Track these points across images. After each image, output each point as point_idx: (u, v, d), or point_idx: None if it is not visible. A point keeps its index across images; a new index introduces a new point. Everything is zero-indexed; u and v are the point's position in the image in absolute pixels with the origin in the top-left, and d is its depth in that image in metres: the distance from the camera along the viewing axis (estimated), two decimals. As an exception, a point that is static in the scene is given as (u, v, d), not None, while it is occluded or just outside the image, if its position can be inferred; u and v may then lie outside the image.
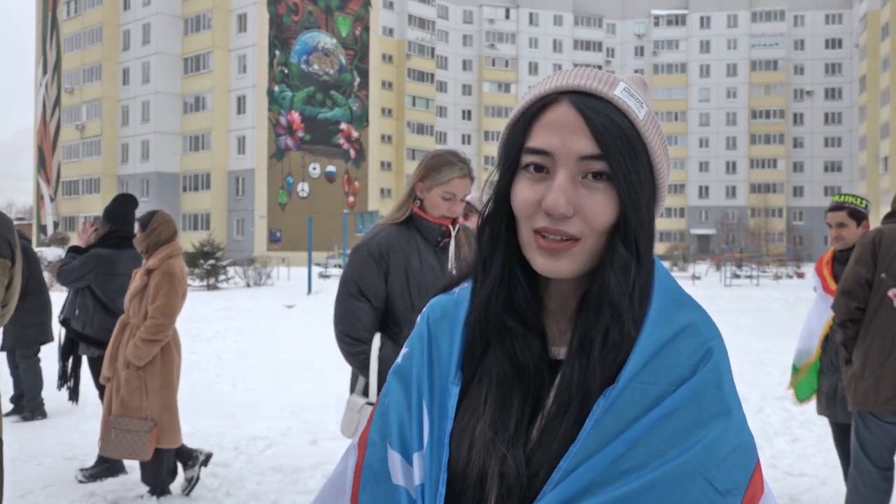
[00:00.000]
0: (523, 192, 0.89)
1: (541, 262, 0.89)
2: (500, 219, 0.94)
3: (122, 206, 5.31)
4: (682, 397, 0.85)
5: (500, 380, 0.93)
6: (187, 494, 4.76)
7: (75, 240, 5.62)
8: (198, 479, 4.82)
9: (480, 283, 0.96)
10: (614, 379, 0.86)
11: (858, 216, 4.09)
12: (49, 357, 7.12)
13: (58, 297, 8.02)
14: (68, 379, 5.51)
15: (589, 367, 0.88)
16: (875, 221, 4.04)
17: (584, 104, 0.88)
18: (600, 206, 0.87)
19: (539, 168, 0.89)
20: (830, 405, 4.30)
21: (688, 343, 0.88)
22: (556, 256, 0.88)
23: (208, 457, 4.91)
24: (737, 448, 0.86)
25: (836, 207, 4.14)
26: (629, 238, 0.88)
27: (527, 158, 0.90)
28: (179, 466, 4.89)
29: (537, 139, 0.89)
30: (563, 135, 0.87)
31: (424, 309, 1.06)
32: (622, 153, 0.87)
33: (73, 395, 7.23)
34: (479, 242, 0.97)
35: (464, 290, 1.02)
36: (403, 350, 1.05)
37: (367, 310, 2.89)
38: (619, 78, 0.92)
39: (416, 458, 0.94)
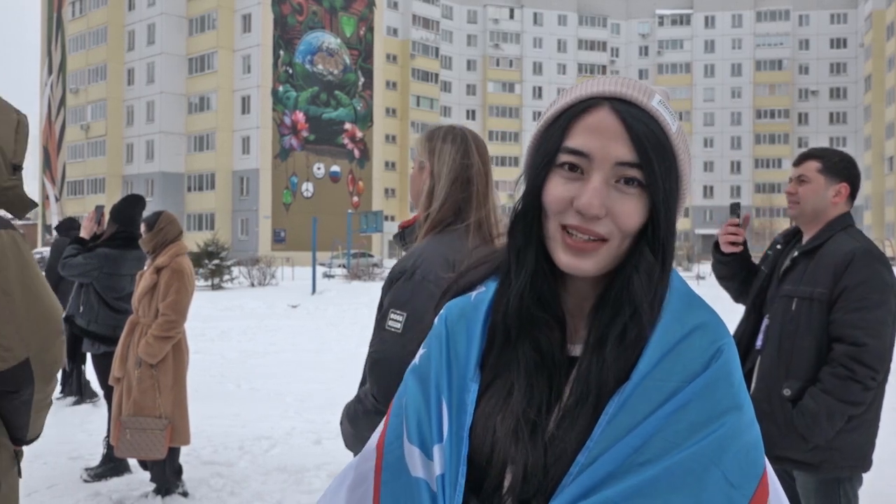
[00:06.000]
0: (556, 188, 0.92)
1: (564, 259, 0.92)
2: (532, 213, 0.96)
3: (130, 207, 5.32)
4: (695, 391, 0.88)
5: (528, 369, 0.95)
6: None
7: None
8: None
9: (515, 275, 0.98)
10: (628, 376, 0.89)
11: None
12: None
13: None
14: (70, 377, 5.53)
15: (604, 363, 0.91)
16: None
17: (625, 111, 0.91)
18: (631, 211, 0.90)
19: (574, 167, 0.92)
20: None
21: (699, 342, 0.91)
22: (581, 255, 0.91)
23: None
24: (748, 443, 0.89)
25: None
26: (657, 244, 0.92)
27: (563, 157, 0.92)
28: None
29: (576, 140, 0.92)
30: (603, 139, 0.90)
31: (442, 310, 1.08)
32: (658, 163, 0.90)
33: (81, 391, 7.28)
34: (512, 236, 0.99)
35: (480, 293, 1.05)
36: (420, 351, 1.08)
37: None
38: (655, 90, 0.95)
39: (436, 450, 0.97)
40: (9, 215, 2.15)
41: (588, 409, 0.90)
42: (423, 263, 1.98)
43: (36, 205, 2.10)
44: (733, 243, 2.99)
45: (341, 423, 2.14)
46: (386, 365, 1.92)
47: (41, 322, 1.96)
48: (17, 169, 2.07)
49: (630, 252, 0.93)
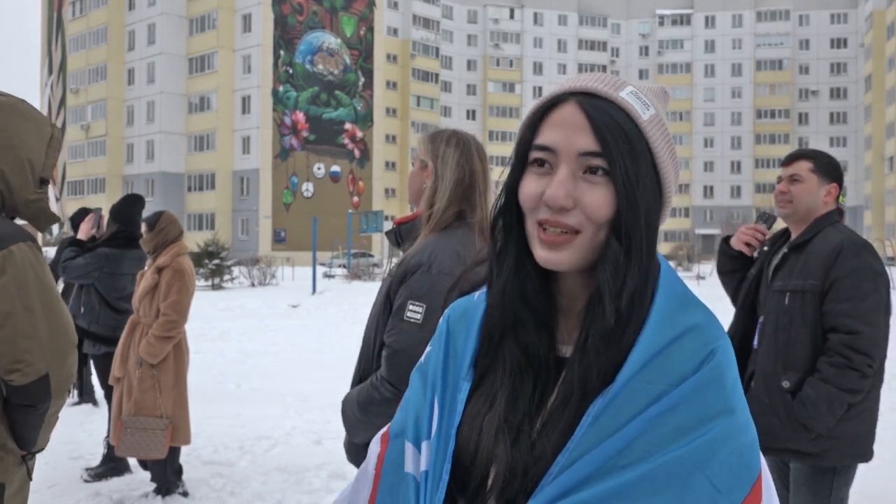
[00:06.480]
0: (528, 185, 0.94)
1: (541, 254, 0.93)
2: (511, 212, 0.98)
3: (130, 207, 5.32)
4: (683, 394, 0.86)
5: (513, 370, 0.96)
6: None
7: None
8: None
9: (496, 275, 1.00)
10: (615, 378, 0.88)
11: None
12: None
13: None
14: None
15: (588, 364, 0.90)
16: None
17: (588, 104, 0.92)
18: (599, 200, 0.90)
19: (544, 163, 0.93)
20: None
21: (691, 344, 0.89)
22: (555, 248, 0.92)
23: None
24: (741, 447, 0.87)
25: None
26: (622, 233, 0.91)
27: (533, 154, 0.94)
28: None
29: (543, 136, 0.93)
30: (566, 132, 0.92)
31: (446, 310, 1.10)
32: (621, 151, 0.90)
33: (82, 392, 7.29)
34: (493, 235, 1.01)
35: (482, 293, 1.05)
36: (427, 349, 1.10)
37: None
38: (628, 83, 0.96)
39: (423, 446, 0.99)
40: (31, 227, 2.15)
41: (571, 410, 0.89)
42: (437, 258, 2.05)
43: (59, 219, 2.09)
44: (748, 245, 3.02)
45: (344, 412, 2.17)
46: (404, 355, 1.97)
47: (60, 336, 1.98)
48: (44, 182, 2.06)
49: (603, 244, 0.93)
